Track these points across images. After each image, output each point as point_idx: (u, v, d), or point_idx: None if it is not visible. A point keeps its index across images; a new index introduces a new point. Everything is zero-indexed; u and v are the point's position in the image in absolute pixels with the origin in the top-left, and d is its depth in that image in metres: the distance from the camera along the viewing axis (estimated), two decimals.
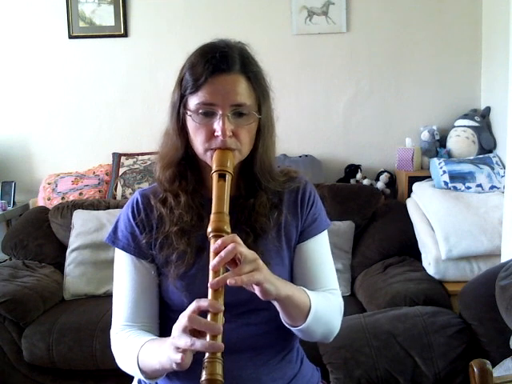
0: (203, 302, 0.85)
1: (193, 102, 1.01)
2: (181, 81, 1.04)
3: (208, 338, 0.83)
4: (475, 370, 1.00)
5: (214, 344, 0.82)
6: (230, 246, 0.87)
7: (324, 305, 1.04)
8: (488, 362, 1.01)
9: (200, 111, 1.00)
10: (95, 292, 2.53)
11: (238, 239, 0.90)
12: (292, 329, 1.02)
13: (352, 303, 2.32)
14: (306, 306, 0.99)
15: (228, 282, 0.85)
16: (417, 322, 1.76)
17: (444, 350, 1.68)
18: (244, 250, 0.89)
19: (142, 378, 1.01)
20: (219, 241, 0.88)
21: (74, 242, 2.63)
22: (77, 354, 2.19)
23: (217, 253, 0.87)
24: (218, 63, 0.99)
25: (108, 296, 2.43)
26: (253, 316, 1.07)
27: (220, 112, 0.98)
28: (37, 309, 2.30)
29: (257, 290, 0.90)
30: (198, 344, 0.82)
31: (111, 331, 1.11)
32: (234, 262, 0.89)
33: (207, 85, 0.99)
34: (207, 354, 0.83)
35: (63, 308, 2.40)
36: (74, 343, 2.19)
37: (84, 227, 2.63)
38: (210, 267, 0.87)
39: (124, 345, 1.06)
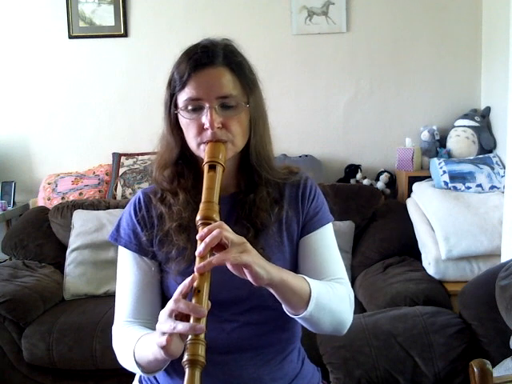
0: (186, 281, 0.86)
1: (181, 99, 1.03)
2: (170, 81, 1.06)
3: (191, 321, 0.83)
4: (475, 370, 1.00)
5: (195, 326, 0.82)
6: (215, 232, 0.87)
7: (328, 292, 1.01)
8: (488, 362, 1.01)
9: (189, 107, 1.02)
10: (95, 292, 2.53)
11: (225, 226, 0.89)
12: (295, 318, 0.99)
13: None
14: (306, 293, 0.96)
15: (214, 260, 0.85)
16: (417, 322, 1.76)
17: (444, 350, 1.68)
18: (230, 234, 0.89)
19: (140, 371, 1.01)
20: (205, 228, 0.89)
21: (74, 241, 2.63)
22: (77, 354, 2.19)
23: (203, 240, 0.88)
24: (200, 58, 1.01)
25: (108, 296, 2.43)
26: (254, 315, 1.07)
27: (207, 105, 1.00)
28: (37, 309, 2.30)
29: (248, 275, 0.89)
30: (180, 326, 0.82)
31: (113, 328, 1.12)
32: (221, 248, 0.89)
33: (192, 80, 1.01)
34: (190, 336, 0.82)
35: (63, 308, 2.39)
36: (74, 343, 2.19)
37: (84, 227, 2.63)
38: (196, 253, 0.88)
39: (123, 340, 1.06)
